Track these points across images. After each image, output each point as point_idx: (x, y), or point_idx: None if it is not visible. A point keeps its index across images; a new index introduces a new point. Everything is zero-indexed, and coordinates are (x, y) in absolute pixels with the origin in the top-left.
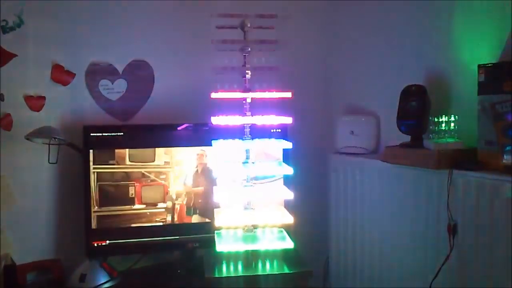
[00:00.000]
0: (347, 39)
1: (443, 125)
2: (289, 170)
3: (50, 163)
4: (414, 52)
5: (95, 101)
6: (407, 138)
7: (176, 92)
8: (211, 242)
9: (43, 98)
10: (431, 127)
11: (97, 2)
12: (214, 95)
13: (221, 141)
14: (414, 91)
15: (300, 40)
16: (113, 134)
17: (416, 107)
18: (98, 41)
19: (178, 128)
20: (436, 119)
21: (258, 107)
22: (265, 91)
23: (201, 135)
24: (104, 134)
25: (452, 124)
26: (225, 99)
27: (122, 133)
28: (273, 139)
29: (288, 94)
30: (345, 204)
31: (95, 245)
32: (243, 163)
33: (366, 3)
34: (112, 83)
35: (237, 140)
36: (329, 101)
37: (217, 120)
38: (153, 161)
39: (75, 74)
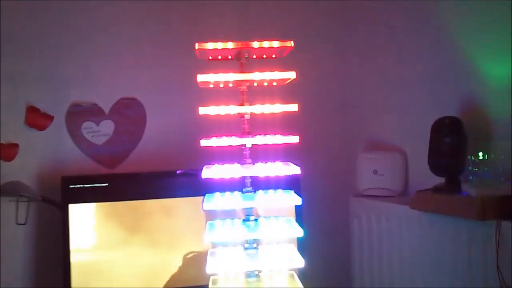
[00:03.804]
0: (366, 64)
1: (485, 165)
2: (297, 200)
3: (18, 224)
4: (446, 77)
5: (77, 147)
6: (440, 179)
7: (171, 134)
8: None
9: (16, 145)
10: (470, 167)
11: (77, 34)
12: (204, 142)
13: (216, 196)
14: (447, 125)
15: (311, 65)
16: (96, 185)
17: (450, 144)
18: (80, 78)
19: (177, 173)
20: (475, 158)
21: (261, 154)
22: (266, 135)
23: (198, 184)
24: (85, 185)
25: (496, 164)
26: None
27: (107, 184)
28: (279, 191)
29: (294, 107)
30: (369, 254)
31: None
32: (243, 221)
33: (388, 22)
34: (97, 125)
35: (236, 194)
36: (348, 136)
37: (210, 173)
38: None
39: (53, 117)
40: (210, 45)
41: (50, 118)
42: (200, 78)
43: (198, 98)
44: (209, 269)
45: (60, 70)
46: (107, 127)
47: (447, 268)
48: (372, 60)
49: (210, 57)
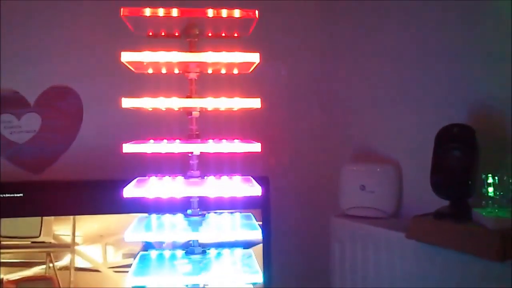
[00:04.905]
0: (354, 54)
1: (504, 186)
2: (257, 234)
3: None
4: (454, 77)
5: None
6: (444, 201)
7: (115, 133)
8: None
9: None
10: (483, 189)
11: None
12: (128, 148)
13: (151, 220)
14: (456, 135)
15: (283, 51)
16: (7, 195)
17: (460, 158)
18: None
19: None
20: (490, 178)
21: (214, 163)
22: (221, 140)
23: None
24: None
25: None
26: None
27: (21, 194)
28: (238, 216)
29: (256, 103)
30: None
31: None
32: (187, 253)
33: (381, 9)
34: (19, 119)
35: (178, 216)
36: (329, 142)
37: (133, 191)
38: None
39: None
40: (146, 12)
41: None
42: (126, 56)
43: (148, 89)
44: None
45: None
46: (31, 122)
47: None
48: (362, 50)
49: (151, 33)
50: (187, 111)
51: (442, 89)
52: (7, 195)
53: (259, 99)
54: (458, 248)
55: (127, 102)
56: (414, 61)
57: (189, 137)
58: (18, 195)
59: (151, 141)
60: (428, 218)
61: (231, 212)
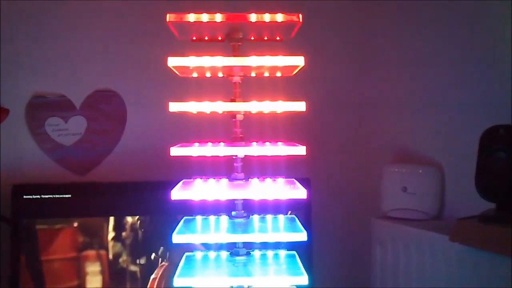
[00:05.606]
0: (393, 52)
1: None
2: (302, 236)
3: None
4: (497, 77)
5: (40, 148)
6: (488, 204)
7: (157, 135)
8: None
9: None
10: None
11: (41, 11)
12: (175, 151)
13: (196, 222)
14: (502, 136)
15: (324, 54)
16: (56, 196)
17: (506, 160)
18: (45, 63)
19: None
20: None
21: (257, 165)
22: (265, 142)
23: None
24: (43, 196)
25: None
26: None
27: (69, 195)
28: (281, 218)
29: (301, 106)
30: None
31: None
32: (231, 255)
33: (422, 12)
34: (66, 122)
35: (223, 220)
36: (370, 143)
37: (181, 194)
38: None
39: (8, 110)
40: (191, 17)
41: (6, 111)
42: (173, 61)
43: (191, 92)
44: None
45: (18, 52)
46: (77, 125)
47: None
48: (402, 46)
49: (194, 37)
50: (231, 114)
51: (488, 87)
52: (56, 196)
53: (303, 103)
54: (505, 252)
55: (174, 107)
56: (458, 62)
57: (233, 140)
58: (66, 196)
59: (196, 144)
60: (473, 221)
61: (275, 214)
